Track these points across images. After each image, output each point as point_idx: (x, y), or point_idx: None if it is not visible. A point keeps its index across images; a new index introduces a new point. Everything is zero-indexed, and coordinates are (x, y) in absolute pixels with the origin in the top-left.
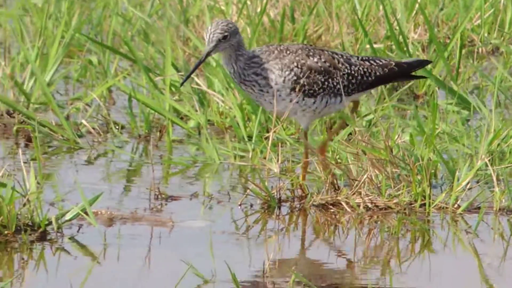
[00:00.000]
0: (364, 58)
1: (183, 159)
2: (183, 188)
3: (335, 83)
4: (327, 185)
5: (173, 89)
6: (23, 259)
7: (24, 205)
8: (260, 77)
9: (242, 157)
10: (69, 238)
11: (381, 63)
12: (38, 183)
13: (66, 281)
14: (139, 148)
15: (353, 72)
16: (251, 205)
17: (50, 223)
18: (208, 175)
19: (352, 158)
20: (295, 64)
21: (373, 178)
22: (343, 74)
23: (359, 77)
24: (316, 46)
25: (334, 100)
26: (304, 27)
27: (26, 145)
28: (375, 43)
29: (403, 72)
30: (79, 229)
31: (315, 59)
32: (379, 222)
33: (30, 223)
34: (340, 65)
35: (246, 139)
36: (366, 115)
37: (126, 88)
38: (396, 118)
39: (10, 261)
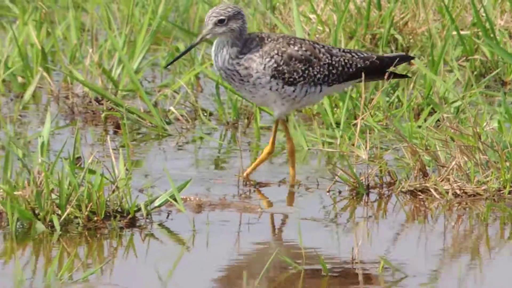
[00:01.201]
0: (346, 50)
1: None
2: (271, 174)
3: (315, 72)
4: (416, 171)
5: None
6: (112, 245)
7: (113, 191)
8: (242, 67)
9: (330, 143)
10: (158, 225)
11: (362, 55)
12: (127, 169)
13: (155, 267)
14: (227, 135)
15: (333, 63)
16: (340, 192)
17: (139, 209)
18: (296, 162)
19: (441, 145)
20: (276, 51)
21: (462, 164)
22: (324, 64)
23: (340, 68)
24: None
25: (314, 89)
26: (390, 14)
27: (115, 132)
28: (462, 30)
29: (385, 66)
30: (168, 216)
31: (296, 48)
32: (467, 209)
33: (119, 210)
34: (321, 54)
35: (334, 125)
36: (454, 102)
37: (213, 75)
38: (484, 105)
39: (100, 247)
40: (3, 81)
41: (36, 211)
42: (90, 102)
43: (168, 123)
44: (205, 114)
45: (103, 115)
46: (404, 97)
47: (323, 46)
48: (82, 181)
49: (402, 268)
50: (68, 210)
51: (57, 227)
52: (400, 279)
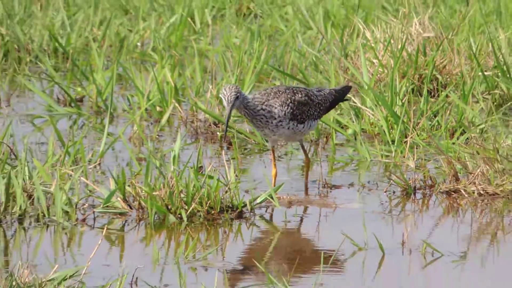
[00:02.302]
0: (317, 90)
1: (343, 158)
2: (343, 179)
3: (312, 111)
4: (450, 177)
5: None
6: (225, 232)
7: (226, 192)
8: (266, 111)
9: (387, 156)
10: (259, 216)
11: (327, 91)
12: (236, 175)
13: (257, 248)
14: (311, 149)
15: (319, 101)
16: (393, 192)
17: (245, 205)
18: (362, 170)
19: (469, 157)
20: (289, 100)
21: (485, 171)
22: (316, 104)
23: (323, 104)
24: (287, 86)
25: (312, 122)
26: (433, 59)
27: (228, 148)
28: (486, 71)
29: (341, 97)
30: (266, 210)
31: (299, 95)
32: (488, 205)
33: (230, 205)
34: (313, 97)
35: (390, 142)
36: (479, 125)
37: None
38: (502, 127)
39: (216, 233)
40: (146, 109)
41: (169, 207)
42: (210, 125)
43: (267, 141)
44: None
45: (219, 135)
46: (442, 121)
47: (309, 91)
48: (203, 184)
49: (439, 249)
50: (192, 206)
51: (184, 218)
52: (437, 257)
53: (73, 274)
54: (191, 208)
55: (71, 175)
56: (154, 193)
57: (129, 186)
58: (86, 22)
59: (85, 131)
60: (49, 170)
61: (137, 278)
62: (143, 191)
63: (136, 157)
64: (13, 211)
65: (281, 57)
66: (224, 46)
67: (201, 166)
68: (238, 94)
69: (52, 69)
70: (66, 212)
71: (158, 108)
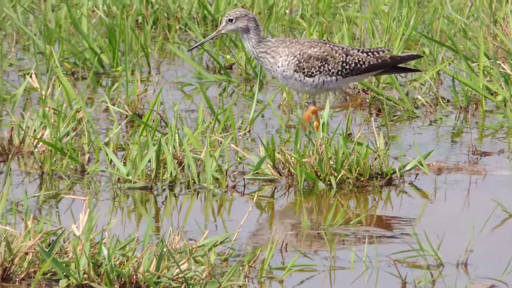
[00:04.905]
0: (364, 51)
1: (493, 125)
2: (493, 146)
3: (330, 67)
4: None
5: (485, 72)
6: (374, 199)
7: (375, 159)
8: (270, 56)
9: None
10: (408, 184)
11: (377, 55)
12: (385, 142)
13: (406, 214)
14: (460, 116)
15: (347, 60)
16: None
17: (394, 172)
18: None
19: None
20: (298, 52)
21: None
22: (338, 62)
23: (353, 65)
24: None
25: (330, 79)
26: None
27: (377, 115)
28: None
29: (395, 63)
30: (416, 177)
31: (315, 49)
32: None
33: (379, 172)
34: (337, 54)
35: None
36: None
37: (450, 72)
38: None
39: (365, 201)
40: None
41: (318, 174)
42: (359, 92)
43: (416, 108)
44: (444, 101)
45: (368, 102)
46: None
47: (342, 48)
48: (352, 151)
49: None
50: (342, 173)
51: (334, 185)
52: None
53: (223, 240)
54: (340, 175)
55: (221, 142)
56: (303, 160)
57: (278, 153)
58: None
59: (235, 99)
60: (199, 137)
61: (286, 244)
62: (293, 158)
63: (285, 124)
64: (163, 178)
65: (429, 24)
66: (372, 13)
67: (350, 133)
68: (233, 18)
69: (201, 37)
70: (216, 179)
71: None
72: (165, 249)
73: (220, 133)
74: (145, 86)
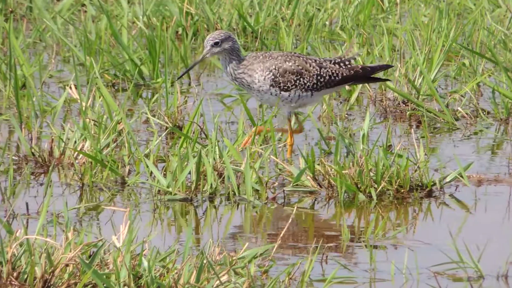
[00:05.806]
0: (336, 61)
1: None
2: None
3: (305, 81)
4: None
5: None
6: (415, 211)
7: (416, 170)
8: (247, 75)
9: None
10: (449, 195)
11: (349, 66)
12: (425, 154)
13: (447, 227)
14: (500, 128)
15: (322, 73)
16: None
17: (434, 184)
18: None
19: None
20: (274, 67)
21: None
22: (313, 75)
23: (327, 77)
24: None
25: (306, 94)
26: None
27: (417, 126)
28: None
29: (367, 74)
30: (456, 188)
31: (290, 63)
32: None
33: (420, 184)
34: (311, 68)
35: None
36: None
37: (490, 84)
38: None
39: (405, 212)
40: None
41: (359, 185)
42: (399, 104)
43: (457, 119)
44: (484, 112)
45: (408, 113)
46: None
47: (315, 61)
48: (393, 162)
49: None
50: (382, 184)
51: (374, 197)
52: None
53: (263, 252)
54: (380, 187)
55: (261, 154)
56: (343, 171)
57: (318, 164)
58: (275, 1)
59: (275, 111)
60: (239, 149)
61: (327, 256)
62: (333, 170)
63: (325, 136)
64: (203, 189)
65: (469, 36)
66: (412, 25)
67: (390, 145)
68: (218, 41)
69: (241, 48)
70: (256, 191)
71: (347, 87)
72: (205, 261)
73: (260, 145)
74: (185, 97)
